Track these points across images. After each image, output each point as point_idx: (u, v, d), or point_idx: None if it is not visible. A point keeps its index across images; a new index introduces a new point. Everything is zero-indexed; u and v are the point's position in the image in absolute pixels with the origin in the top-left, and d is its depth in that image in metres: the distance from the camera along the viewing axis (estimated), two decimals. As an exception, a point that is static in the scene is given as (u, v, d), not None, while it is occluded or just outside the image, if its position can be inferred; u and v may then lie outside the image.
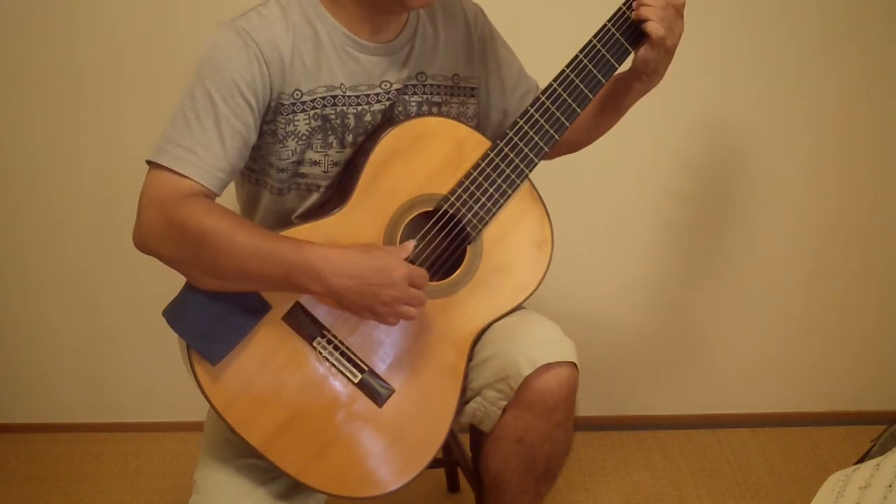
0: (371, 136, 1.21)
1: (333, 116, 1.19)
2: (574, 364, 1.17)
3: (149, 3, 1.71)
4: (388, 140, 1.17)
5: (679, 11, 1.18)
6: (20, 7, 1.71)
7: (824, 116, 1.80)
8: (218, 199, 1.13)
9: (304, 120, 1.18)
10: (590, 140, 1.39)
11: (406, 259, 1.13)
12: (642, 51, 1.18)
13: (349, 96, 1.19)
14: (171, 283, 1.12)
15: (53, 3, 1.71)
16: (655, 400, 2.03)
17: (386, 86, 1.22)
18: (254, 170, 1.23)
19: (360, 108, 1.20)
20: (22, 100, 1.79)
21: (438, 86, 1.27)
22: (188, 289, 1.10)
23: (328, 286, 1.07)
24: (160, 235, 1.07)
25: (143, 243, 1.09)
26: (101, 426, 2.03)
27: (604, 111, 1.32)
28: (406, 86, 1.24)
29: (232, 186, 1.26)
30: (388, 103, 1.22)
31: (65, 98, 1.78)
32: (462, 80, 1.30)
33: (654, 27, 1.15)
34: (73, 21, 1.72)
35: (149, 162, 1.10)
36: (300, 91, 1.16)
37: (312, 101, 1.17)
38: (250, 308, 1.10)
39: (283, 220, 1.25)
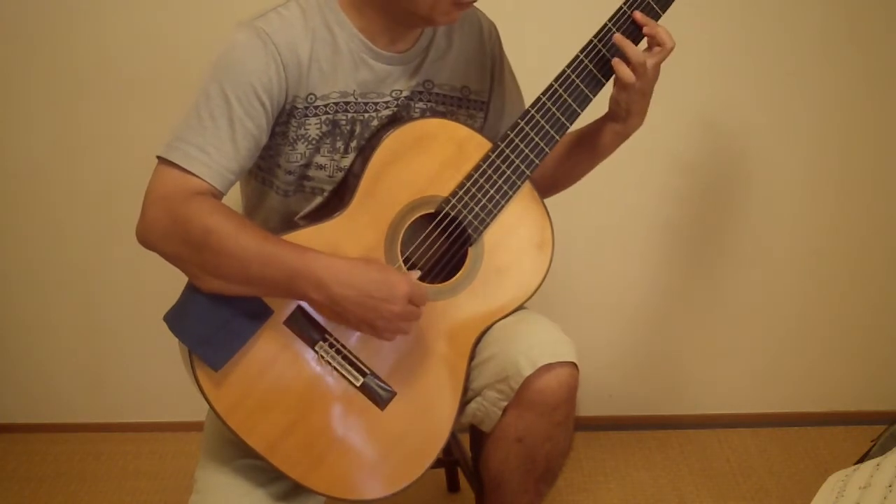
0: (372, 137, 1.21)
1: (344, 122, 1.19)
2: (574, 364, 1.17)
3: (149, 2, 1.71)
4: (389, 142, 1.17)
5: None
6: (20, 7, 1.71)
7: (824, 117, 1.80)
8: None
9: (316, 124, 1.18)
10: (567, 182, 1.37)
11: (407, 266, 1.14)
12: (614, 91, 1.19)
13: (360, 103, 1.20)
14: (172, 283, 1.12)
15: (53, 3, 1.71)
16: (655, 400, 2.03)
17: (396, 94, 1.22)
18: (262, 168, 1.23)
19: (367, 115, 1.21)
20: (23, 99, 1.79)
21: (444, 95, 1.27)
22: (189, 294, 1.10)
23: (329, 295, 1.07)
24: (164, 232, 1.07)
25: (146, 239, 1.09)
26: (101, 426, 2.03)
27: (580, 150, 1.31)
28: (413, 92, 1.24)
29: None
30: (395, 109, 1.23)
31: (66, 98, 1.78)
32: (473, 93, 1.30)
33: (624, 72, 1.15)
34: (74, 21, 1.72)
35: (159, 158, 1.10)
36: (314, 95, 1.16)
37: (325, 105, 1.18)
38: (252, 313, 1.10)
39: (286, 221, 1.25)
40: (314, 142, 1.19)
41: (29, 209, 1.87)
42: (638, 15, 1.17)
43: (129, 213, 1.11)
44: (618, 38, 1.16)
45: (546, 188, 1.31)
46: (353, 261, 1.10)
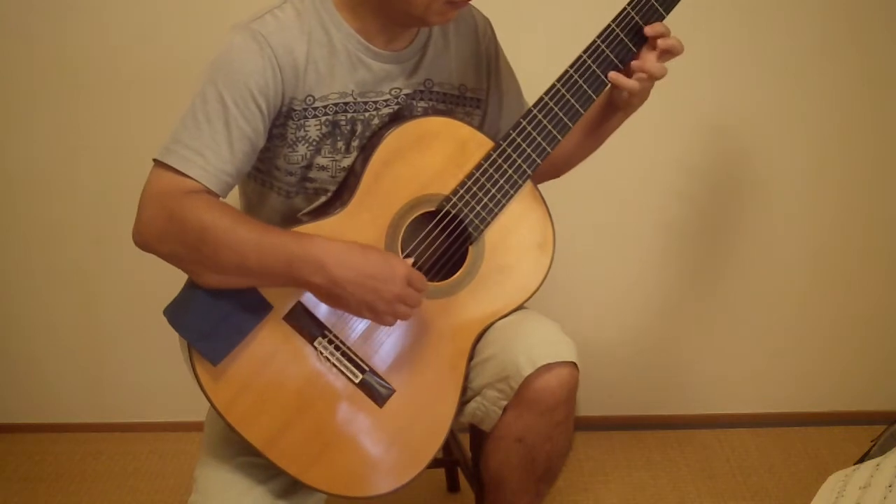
0: (374, 135, 1.21)
1: (344, 123, 1.19)
2: (574, 364, 1.17)
3: (149, 2, 1.71)
4: (391, 140, 1.17)
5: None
6: (20, 6, 1.71)
7: (825, 117, 1.81)
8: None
9: (315, 125, 1.18)
10: (570, 165, 1.38)
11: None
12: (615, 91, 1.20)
13: (359, 103, 1.20)
14: (172, 282, 1.12)
15: (53, 2, 1.71)
16: (655, 400, 2.03)
17: (395, 92, 1.22)
18: (261, 170, 1.23)
19: (367, 114, 1.21)
20: (23, 99, 1.79)
21: (444, 94, 1.27)
22: (189, 288, 1.10)
23: (330, 276, 1.07)
24: (161, 232, 1.07)
25: (143, 241, 1.09)
26: (101, 426, 2.03)
27: (585, 137, 1.32)
28: (414, 91, 1.24)
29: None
30: (396, 107, 1.23)
31: (65, 97, 1.78)
32: (469, 90, 1.30)
33: (628, 83, 1.17)
34: (73, 20, 1.72)
35: (155, 161, 1.10)
36: (312, 97, 1.16)
37: (325, 107, 1.18)
38: (252, 308, 1.10)
39: (288, 219, 1.25)
40: (315, 143, 1.19)
41: (29, 209, 1.87)
42: (649, 29, 1.17)
43: (129, 212, 1.11)
44: (613, 76, 1.18)
45: (543, 173, 1.32)
46: (351, 243, 1.10)
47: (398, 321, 1.13)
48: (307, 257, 1.06)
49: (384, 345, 1.16)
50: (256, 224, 1.08)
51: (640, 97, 1.21)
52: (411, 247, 1.19)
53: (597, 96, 1.19)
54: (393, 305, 1.09)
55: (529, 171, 1.19)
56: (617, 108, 1.25)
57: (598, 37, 1.18)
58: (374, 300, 1.09)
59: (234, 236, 1.05)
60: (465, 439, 1.54)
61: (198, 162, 1.09)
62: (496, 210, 1.20)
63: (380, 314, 1.11)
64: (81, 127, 1.81)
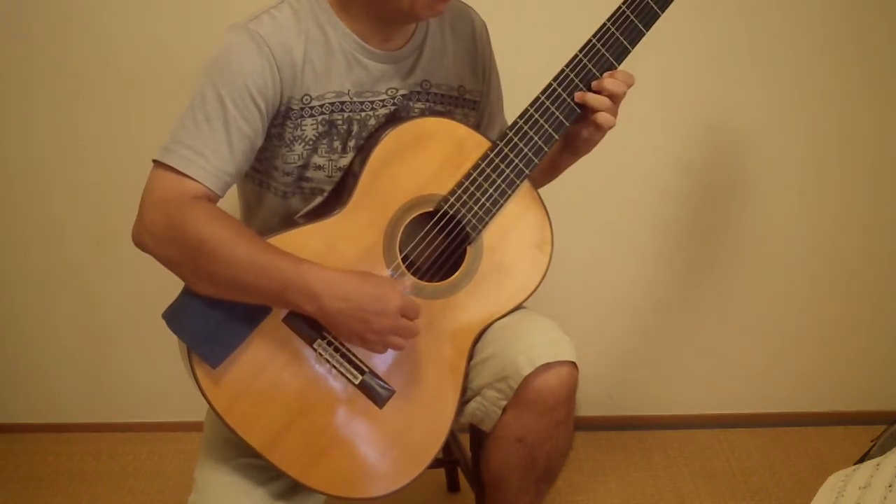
0: (371, 136, 1.22)
1: (340, 122, 1.19)
2: (574, 363, 1.17)
3: (149, 2, 1.71)
4: (388, 141, 1.17)
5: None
6: (20, 7, 1.71)
7: (825, 117, 1.80)
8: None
9: (312, 125, 1.18)
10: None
11: (406, 265, 1.14)
12: (585, 132, 1.21)
13: (355, 102, 1.20)
14: (172, 283, 1.12)
15: (53, 2, 1.71)
16: (655, 400, 2.03)
17: (392, 92, 1.22)
18: (259, 171, 1.23)
19: (363, 114, 1.21)
20: (23, 99, 1.79)
21: (443, 95, 1.27)
22: (188, 292, 1.10)
23: (321, 307, 1.07)
24: (160, 236, 1.07)
25: (142, 242, 1.09)
26: (101, 426, 2.03)
27: (541, 174, 1.33)
28: (412, 92, 1.24)
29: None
30: (392, 108, 1.23)
31: (65, 97, 1.78)
32: (468, 92, 1.31)
33: (606, 119, 1.18)
34: (74, 21, 1.72)
35: (155, 161, 1.10)
36: (309, 96, 1.17)
37: (321, 106, 1.18)
38: (251, 311, 1.10)
39: (286, 221, 1.25)
40: (311, 142, 1.19)
41: (28, 209, 1.87)
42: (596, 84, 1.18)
43: (129, 212, 1.11)
44: (579, 95, 1.18)
45: None
46: (347, 273, 1.10)
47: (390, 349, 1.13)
48: (301, 285, 1.06)
49: (384, 346, 1.16)
50: (256, 242, 1.08)
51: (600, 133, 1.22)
52: (409, 247, 1.19)
53: None
54: (384, 337, 1.10)
55: (527, 171, 1.19)
56: (574, 147, 1.25)
57: (594, 36, 1.18)
58: (365, 331, 1.09)
59: (231, 253, 1.05)
60: (465, 439, 1.54)
61: (198, 162, 1.09)
62: (494, 210, 1.20)
63: (370, 344, 1.11)
64: (81, 127, 1.81)
